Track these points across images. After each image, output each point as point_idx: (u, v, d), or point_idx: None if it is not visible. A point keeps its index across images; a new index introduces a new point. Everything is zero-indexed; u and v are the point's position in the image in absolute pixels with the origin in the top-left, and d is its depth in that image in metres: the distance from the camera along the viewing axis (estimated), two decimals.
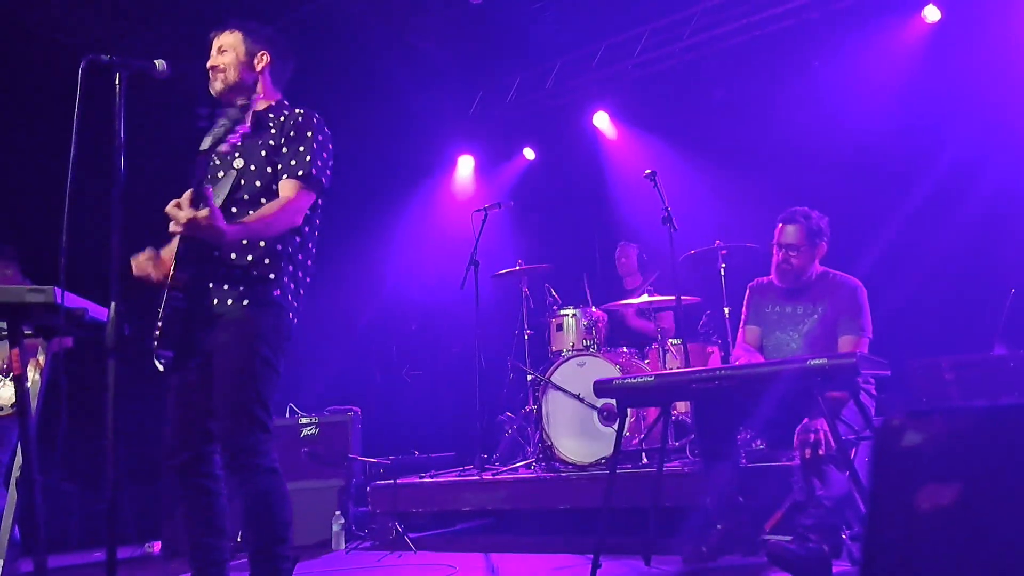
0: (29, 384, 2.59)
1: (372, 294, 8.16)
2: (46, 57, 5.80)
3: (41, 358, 2.73)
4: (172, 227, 2.67)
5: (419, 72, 7.55)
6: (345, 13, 6.64)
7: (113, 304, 2.40)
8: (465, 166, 8.77)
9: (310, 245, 3.11)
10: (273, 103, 3.11)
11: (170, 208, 2.66)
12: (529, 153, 8.52)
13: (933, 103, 5.99)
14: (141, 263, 2.90)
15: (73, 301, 2.54)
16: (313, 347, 7.39)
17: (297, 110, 3.04)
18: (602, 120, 7.91)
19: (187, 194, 2.68)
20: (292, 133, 2.94)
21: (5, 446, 4.35)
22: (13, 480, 2.60)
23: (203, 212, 2.61)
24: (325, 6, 6.56)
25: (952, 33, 6.17)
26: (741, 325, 4.24)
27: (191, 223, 2.62)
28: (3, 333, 2.52)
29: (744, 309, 4.25)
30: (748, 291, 4.27)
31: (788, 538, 3.40)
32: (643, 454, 5.05)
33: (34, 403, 2.66)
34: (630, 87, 7.61)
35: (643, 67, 7.48)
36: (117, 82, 2.56)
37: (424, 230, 8.44)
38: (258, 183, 2.93)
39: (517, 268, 5.88)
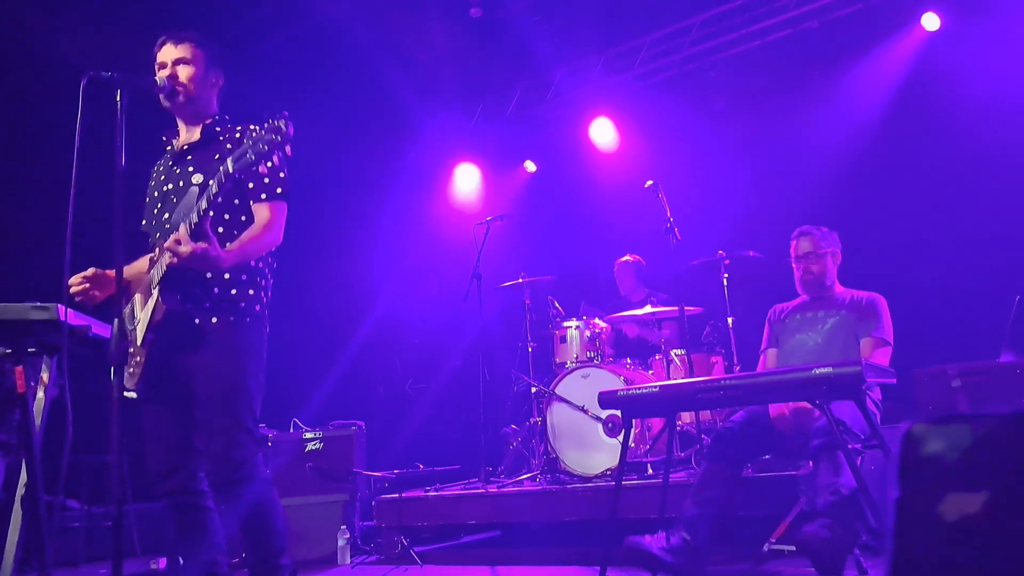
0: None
1: (374, 308, 8.16)
2: (48, 75, 5.82)
3: (45, 375, 2.73)
4: (168, 260, 2.69)
5: (419, 85, 7.56)
6: (344, 27, 6.66)
7: (116, 320, 2.40)
8: (466, 179, 8.75)
9: (274, 255, 3.16)
10: (216, 116, 3.13)
11: (170, 243, 2.66)
12: (530, 165, 8.53)
13: (935, 110, 5.99)
14: (81, 281, 2.89)
15: (76, 318, 2.54)
16: (316, 361, 7.40)
17: (251, 126, 2.98)
18: (603, 131, 7.90)
19: (183, 228, 2.69)
20: (262, 148, 2.79)
21: None
22: (18, 497, 2.60)
23: (202, 244, 2.66)
24: (324, 20, 6.59)
25: (952, 40, 6.16)
26: (762, 351, 4.30)
27: (192, 256, 2.64)
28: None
29: (765, 337, 4.32)
30: (769, 317, 4.35)
31: (791, 548, 3.38)
32: (648, 465, 5.03)
33: (38, 420, 2.66)
34: (631, 98, 7.61)
35: (644, 78, 7.49)
36: (119, 98, 2.57)
37: (426, 243, 8.45)
38: (220, 199, 2.80)
39: (520, 280, 5.87)
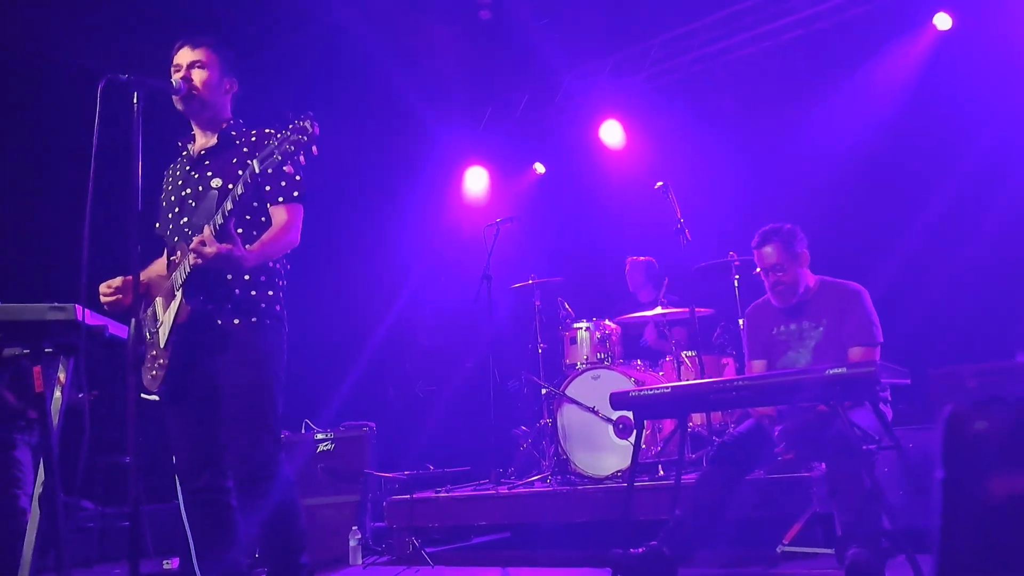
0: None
1: (385, 310, 8.17)
2: (67, 79, 5.86)
3: (62, 375, 2.75)
4: (193, 260, 2.72)
5: (428, 89, 7.57)
6: (352, 31, 6.66)
7: (133, 321, 2.42)
8: (476, 181, 8.75)
9: (288, 258, 3.19)
10: (232, 121, 3.16)
11: (195, 245, 2.70)
12: (539, 167, 8.53)
13: (951, 110, 5.92)
14: (112, 291, 2.91)
15: (93, 318, 2.56)
16: (328, 363, 7.41)
17: (267, 130, 3.03)
18: (612, 133, 7.90)
19: (208, 229, 2.73)
20: (288, 148, 2.73)
21: None
22: (35, 497, 2.62)
23: (226, 245, 2.70)
24: (332, 25, 6.60)
25: (965, 40, 6.13)
26: (747, 360, 4.13)
27: (218, 256, 2.68)
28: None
29: (745, 340, 4.15)
30: (746, 320, 4.18)
31: (803, 550, 3.37)
32: (660, 466, 5.03)
33: (55, 420, 2.68)
34: (640, 100, 7.60)
35: (653, 80, 7.48)
36: (135, 100, 2.60)
37: (436, 246, 8.45)
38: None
39: (530, 282, 5.87)
